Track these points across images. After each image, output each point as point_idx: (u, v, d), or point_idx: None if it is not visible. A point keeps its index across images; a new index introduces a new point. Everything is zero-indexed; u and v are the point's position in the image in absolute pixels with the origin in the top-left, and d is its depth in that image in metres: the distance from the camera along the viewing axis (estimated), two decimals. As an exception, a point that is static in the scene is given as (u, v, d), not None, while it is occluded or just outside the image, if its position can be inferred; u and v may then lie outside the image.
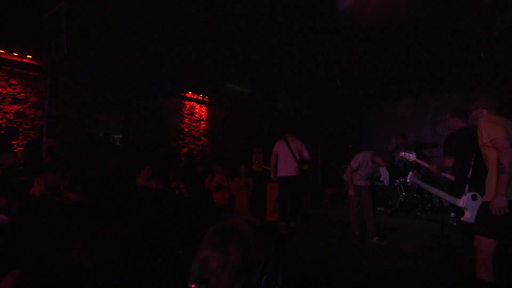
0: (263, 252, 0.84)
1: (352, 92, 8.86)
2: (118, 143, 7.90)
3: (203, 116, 9.24)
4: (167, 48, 6.11)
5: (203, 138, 9.19)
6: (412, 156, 3.88)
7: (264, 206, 6.50)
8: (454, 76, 7.35)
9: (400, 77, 7.73)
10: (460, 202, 2.91)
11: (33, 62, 6.11)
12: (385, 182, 4.88)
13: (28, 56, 6.03)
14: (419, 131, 8.59)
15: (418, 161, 3.96)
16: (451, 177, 3.72)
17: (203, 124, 9.21)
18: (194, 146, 8.95)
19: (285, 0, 4.64)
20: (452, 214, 5.22)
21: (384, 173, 4.77)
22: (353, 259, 4.06)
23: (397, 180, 6.14)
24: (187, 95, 8.78)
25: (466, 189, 2.93)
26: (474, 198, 2.85)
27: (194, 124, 9.02)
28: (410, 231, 5.07)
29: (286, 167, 5.26)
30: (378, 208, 5.95)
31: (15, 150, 5.58)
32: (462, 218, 2.90)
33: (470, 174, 2.99)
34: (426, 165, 3.99)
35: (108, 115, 7.71)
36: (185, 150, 8.71)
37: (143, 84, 7.62)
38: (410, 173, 3.66)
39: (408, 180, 3.61)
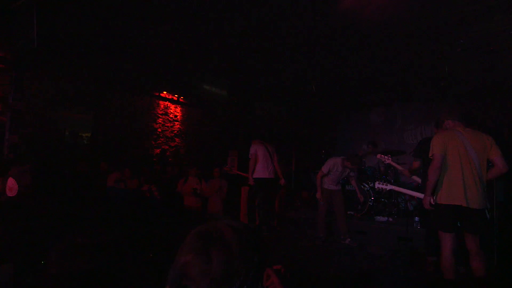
0: (246, 261, 0.81)
1: (326, 99, 9.13)
2: (85, 142, 7.57)
3: (178, 117, 9.09)
4: (142, 45, 5.97)
5: (177, 139, 9.03)
6: (387, 159, 4.08)
7: (238, 209, 6.50)
8: (421, 88, 7.81)
9: (372, 87, 8.10)
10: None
11: (-4, 53, 5.74)
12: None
13: (-9, 46, 5.66)
14: (388, 139, 8.99)
15: (393, 163, 4.16)
16: (419, 180, 3.97)
17: (177, 125, 9.06)
18: (167, 147, 8.77)
19: (263, 6, 4.71)
20: (416, 218, 5.50)
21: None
22: (324, 261, 4.16)
23: (366, 185, 6.38)
24: (161, 94, 8.61)
25: None
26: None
27: (168, 124, 8.85)
28: (377, 234, 5.28)
29: (266, 169, 5.32)
30: (348, 212, 6.14)
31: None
32: None
33: None
34: (400, 168, 4.20)
35: (77, 112, 7.38)
36: (158, 151, 8.52)
37: (115, 80, 7.37)
38: (377, 182, 4.00)
39: (375, 187, 3.95)
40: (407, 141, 8.63)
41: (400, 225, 5.24)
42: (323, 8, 4.74)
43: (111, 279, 1.01)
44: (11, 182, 3.08)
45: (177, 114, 9.07)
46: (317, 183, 5.02)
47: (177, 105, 9.06)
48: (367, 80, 7.53)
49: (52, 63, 6.22)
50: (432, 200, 2.90)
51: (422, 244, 4.27)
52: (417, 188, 5.58)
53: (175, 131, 9.01)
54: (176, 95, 8.90)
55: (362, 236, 5.23)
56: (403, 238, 4.80)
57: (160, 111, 8.65)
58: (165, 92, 8.65)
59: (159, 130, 8.62)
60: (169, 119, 8.86)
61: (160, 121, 8.64)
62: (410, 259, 4.14)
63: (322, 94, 8.51)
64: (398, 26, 5.19)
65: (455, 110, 3.12)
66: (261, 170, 5.31)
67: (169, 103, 8.84)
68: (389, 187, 3.82)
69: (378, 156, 4.29)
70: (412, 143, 8.23)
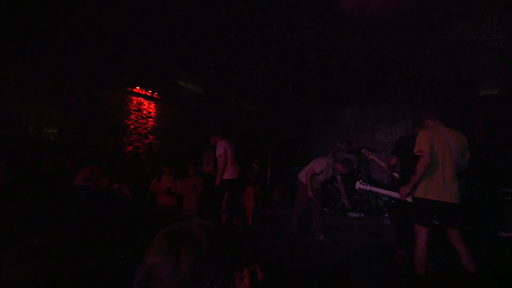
0: (216, 261, 0.79)
1: (302, 98, 9.25)
2: (51, 138, 7.17)
3: (152, 113, 8.84)
4: (114, 37, 5.73)
5: (150, 136, 8.78)
6: (371, 154, 4.18)
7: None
8: (391, 88, 8.10)
9: (345, 87, 8.31)
10: (409, 198, 3.21)
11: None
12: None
13: None
14: (360, 137, 9.25)
15: (376, 159, 4.26)
16: (396, 175, 4.12)
17: (151, 122, 8.81)
18: (140, 144, 8.50)
19: (240, 4, 4.68)
20: (386, 214, 5.71)
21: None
22: (299, 257, 4.21)
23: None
24: (134, 90, 8.32)
25: None
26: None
27: (141, 121, 8.58)
28: (350, 230, 5.42)
29: (235, 169, 5.03)
30: (323, 209, 6.26)
31: None
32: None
33: None
34: (382, 164, 4.31)
35: (42, 107, 6.97)
36: (130, 148, 8.24)
37: (84, 74, 7.02)
38: (357, 182, 3.97)
39: (356, 187, 3.94)
40: (378, 140, 8.92)
41: (371, 221, 5.41)
42: (300, 8, 4.78)
43: (73, 285, 0.94)
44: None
45: (151, 110, 8.82)
46: (307, 182, 4.95)
47: (151, 101, 8.80)
48: (340, 80, 7.71)
49: (13, 54, 5.83)
50: (412, 193, 3.02)
51: (392, 238, 4.43)
52: (393, 188, 5.79)
53: (149, 128, 8.75)
54: (149, 91, 8.65)
55: (335, 232, 5.35)
56: (374, 233, 4.96)
57: (133, 107, 8.36)
58: (138, 88, 8.38)
59: (132, 126, 8.34)
60: (143, 115, 8.60)
61: (133, 118, 8.36)
62: (381, 253, 4.29)
63: (297, 93, 8.60)
64: (371, 29, 5.35)
65: (433, 110, 3.23)
66: (230, 170, 4.97)
67: (142, 99, 8.58)
68: (369, 187, 3.87)
69: (363, 151, 4.40)
70: (383, 142, 8.52)
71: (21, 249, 0.89)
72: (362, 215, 6.14)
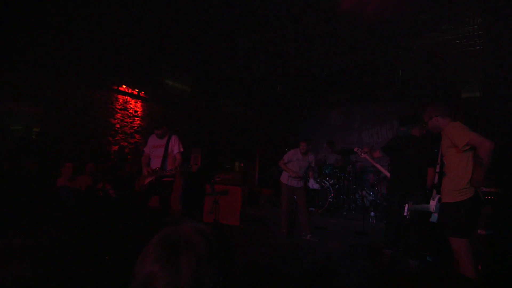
0: (215, 267, 0.76)
1: (290, 98, 9.30)
2: (34, 137, 6.97)
3: (138, 112, 8.71)
4: (100, 34, 5.61)
5: (137, 136, 8.65)
6: (363, 153, 4.23)
7: (201, 207, 6.39)
8: (377, 90, 8.25)
9: (333, 88, 8.41)
10: (431, 208, 2.96)
11: None
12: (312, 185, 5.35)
13: None
14: (348, 138, 9.38)
15: (368, 157, 4.30)
16: (387, 173, 4.20)
17: (137, 121, 8.68)
18: (126, 143, 8.36)
19: (228, 4, 4.67)
20: (372, 213, 5.81)
21: (312, 184, 5.30)
22: (287, 257, 4.23)
23: (326, 182, 6.60)
24: (120, 88, 8.18)
25: (434, 194, 3.02)
26: (440, 201, 2.91)
27: (128, 120, 8.44)
28: (336, 229, 5.48)
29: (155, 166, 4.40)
30: (310, 208, 6.31)
31: None
32: (430, 219, 2.96)
33: (436, 180, 3.13)
34: (373, 162, 4.37)
35: (25, 106, 6.76)
36: (116, 147, 8.09)
37: (68, 71, 6.85)
38: (406, 205, 3.21)
39: (405, 213, 3.24)
40: (365, 140, 9.07)
41: (357, 220, 5.49)
42: (288, 10, 4.81)
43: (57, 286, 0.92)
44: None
45: (138, 109, 8.69)
46: (283, 168, 5.20)
47: (138, 100, 8.67)
48: (327, 81, 7.79)
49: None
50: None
51: (378, 238, 4.51)
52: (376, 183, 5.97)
53: (135, 127, 8.62)
54: (136, 90, 8.52)
55: (322, 231, 5.41)
56: (360, 232, 5.04)
57: (119, 105, 8.22)
58: (124, 86, 8.24)
59: (118, 126, 8.19)
60: (129, 114, 8.46)
61: (119, 117, 8.21)
62: (367, 252, 4.36)
63: (285, 94, 8.65)
64: (357, 32, 5.43)
65: (444, 106, 2.89)
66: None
67: (128, 98, 8.44)
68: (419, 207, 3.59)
69: (355, 149, 4.43)
70: (370, 142, 8.67)
71: (1, 249, 0.87)
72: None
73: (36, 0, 4.54)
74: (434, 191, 3.06)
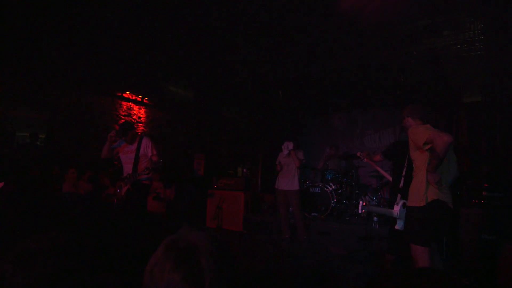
0: (221, 273, 0.78)
1: (292, 103, 9.35)
2: (39, 144, 7.05)
3: (142, 119, 8.79)
4: (104, 42, 5.70)
5: (140, 142, 8.71)
6: (365, 158, 4.25)
7: (203, 212, 6.42)
8: (379, 95, 8.28)
9: (335, 94, 8.45)
10: (394, 213, 2.91)
11: None
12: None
13: None
14: (350, 142, 9.39)
15: (370, 161, 4.33)
16: (389, 178, 4.21)
17: (141, 127, 8.76)
18: (130, 149, 8.43)
19: (231, 8, 4.74)
20: (375, 219, 5.79)
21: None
22: (288, 261, 4.24)
23: (328, 187, 6.60)
24: (124, 95, 8.27)
25: (398, 198, 2.98)
26: (404, 206, 2.84)
27: (131, 126, 8.51)
28: (340, 234, 5.48)
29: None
30: (312, 214, 6.31)
31: None
32: (395, 227, 2.90)
33: (402, 184, 3.14)
34: (376, 166, 4.38)
35: (30, 112, 6.86)
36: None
37: (73, 78, 6.96)
38: (360, 202, 3.46)
39: (360, 211, 3.49)
40: (367, 145, 9.07)
41: (361, 226, 5.49)
42: (290, 15, 4.87)
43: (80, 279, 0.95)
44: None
45: (141, 115, 8.77)
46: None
47: (141, 107, 8.76)
48: (329, 86, 7.84)
49: (2, 59, 5.74)
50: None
51: (381, 243, 4.51)
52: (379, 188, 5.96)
53: (139, 134, 8.69)
54: (140, 96, 8.61)
55: (326, 236, 5.40)
56: (364, 237, 5.03)
57: (123, 112, 8.30)
58: (128, 93, 8.33)
59: (121, 132, 8.26)
60: (133, 120, 8.54)
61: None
62: (370, 257, 4.35)
63: (288, 99, 8.70)
64: (359, 37, 5.49)
65: (417, 108, 2.90)
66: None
67: (132, 104, 8.53)
68: (372, 209, 3.67)
69: (358, 153, 4.45)
70: (372, 147, 8.67)
71: (17, 253, 0.90)
72: (347, 218, 6.24)
73: (41, 8, 4.63)
74: (399, 196, 2.97)
